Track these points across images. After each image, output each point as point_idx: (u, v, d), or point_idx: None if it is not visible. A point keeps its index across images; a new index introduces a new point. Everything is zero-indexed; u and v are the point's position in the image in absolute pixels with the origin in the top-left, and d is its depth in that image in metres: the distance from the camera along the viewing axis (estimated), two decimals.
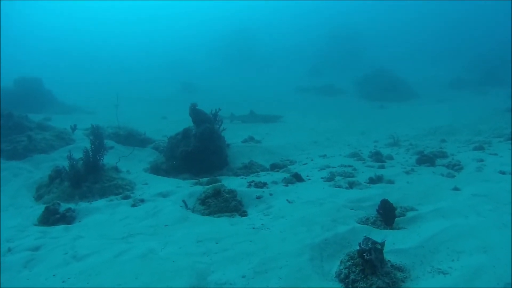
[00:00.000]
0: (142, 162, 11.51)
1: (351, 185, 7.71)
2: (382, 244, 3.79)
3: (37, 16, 79.65)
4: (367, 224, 5.35)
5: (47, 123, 13.87)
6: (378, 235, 4.94)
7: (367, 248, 3.76)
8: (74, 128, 13.48)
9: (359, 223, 5.45)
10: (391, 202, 5.44)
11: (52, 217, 6.78)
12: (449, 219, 5.30)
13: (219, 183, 7.32)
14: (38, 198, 8.76)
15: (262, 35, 56.46)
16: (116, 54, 55.55)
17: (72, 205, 7.33)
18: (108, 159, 10.09)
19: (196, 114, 10.58)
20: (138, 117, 20.06)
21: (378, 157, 10.45)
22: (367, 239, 3.85)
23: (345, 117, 20.94)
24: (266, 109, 21.65)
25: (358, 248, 3.99)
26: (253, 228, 5.40)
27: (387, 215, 5.29)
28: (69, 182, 8.51)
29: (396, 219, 5.39)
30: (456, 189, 7.02)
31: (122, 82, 37.77)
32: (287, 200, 6.68)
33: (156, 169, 10.61)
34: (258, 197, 6.93)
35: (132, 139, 13.07)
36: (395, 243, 4.60)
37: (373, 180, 7.97)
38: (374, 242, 3.78)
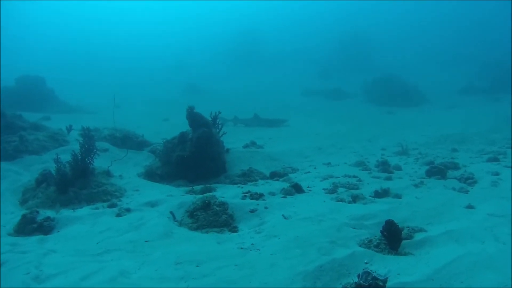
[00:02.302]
0: (137, 166, 11.00)
1: (354, 199, 7.11)
2: (385, 281, 3.21)
3: (43, 16, 79.92)
4: (370, 248, 4.76)
5: (41, 123, 13.43)
6: (381, 261, 4.36)
7: (366, 284, 3.18)
8: (70, 129, 13.02)
9: (360, 246, 4.86)
10: (397, 221, 4.86)
11: (28, 227, 6.29)
12: (462, 244, 4.68)
13: (210, 194, 6.75)
14: (23, 202, 8.28)
15: (269, 37, 55.81)
16: (122, 56, 55.27)
17: (52, 213, 6.81)
18: (101, 163, 9.61)
19: (193, 117, 10.03)
20: (139, 119, 19.62)
21: (385, 167, 9.82)
22: (366, 273, 3.27)
23: (352, 122, 20.28)
24: (272, 113, 21.07)
25: (356, 280, 3.41)
26: (241, 248, 4.83)
27: (392, 238, 4.69)
28: (55, 187, 8.01)
29: (403, 242, 4.79)
30: (470, 207, 6.39)
31: (126, 83, 37.42)
32: (282, 215, 6.10)
33: (150, 174, 10.08)
34: (252, 211, 6.36)
35: (129, 142, 12.58)
36: (400, 274, 4.01)
37: (378, 194, 7.36)
38: (375, 278, 3.20)
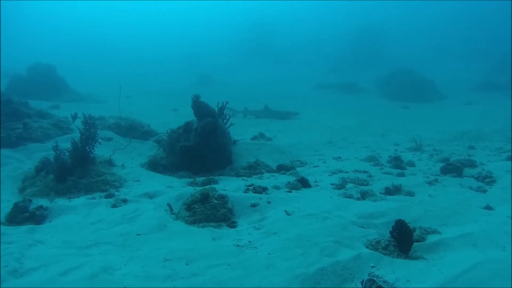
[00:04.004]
0: (141, 156, 10.71)
1: (363, 196, 6.69)
2: None
3: (59, 5, 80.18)
4: (377, 250, 4.35)
5: (48, 111, 13.24)
6: (389, 266, 3.95)
7: None
8: (75, 117, 12.79)
9: (367, 247, 4.45)
10: (409, 220, 4.46)
11: (20, 216, 6.05)
12: (481, 250, 4.24)
13: (210, 186, 6.39)
14: (22, 190, 8.08)
15: (283, 30, 55.14)
16: (135, 46, 55.22)
17: (46, 202, 6.56)
18: (104, 152, 9.37)
19: (198, 107, 9.68)
20: (148, 108, 19.37)
21: (397, 163, 9.35)
22: (371, 281, 2.88)
23: (365, 116, 19.69)
24: (283, 105, 20.61)
25: (360, 286, 3.03)
26: (237, 246, 4.47)
27: (402, 239, 4.28)
28: (54, 175, 7.77)
29: (414, 244, 4.37)
30: (488, 208, 5.92)
31: (138, 74, 37.30)
32: (285, 211, 5.72)
33: (154, 165, 9.77)
34: (253, 205, 6.00)
35: (134, 131, 12.29)
36: (410, 280, 3.59)
37: (389, 191, 6.93)
38: (380, 287, 2.80)
